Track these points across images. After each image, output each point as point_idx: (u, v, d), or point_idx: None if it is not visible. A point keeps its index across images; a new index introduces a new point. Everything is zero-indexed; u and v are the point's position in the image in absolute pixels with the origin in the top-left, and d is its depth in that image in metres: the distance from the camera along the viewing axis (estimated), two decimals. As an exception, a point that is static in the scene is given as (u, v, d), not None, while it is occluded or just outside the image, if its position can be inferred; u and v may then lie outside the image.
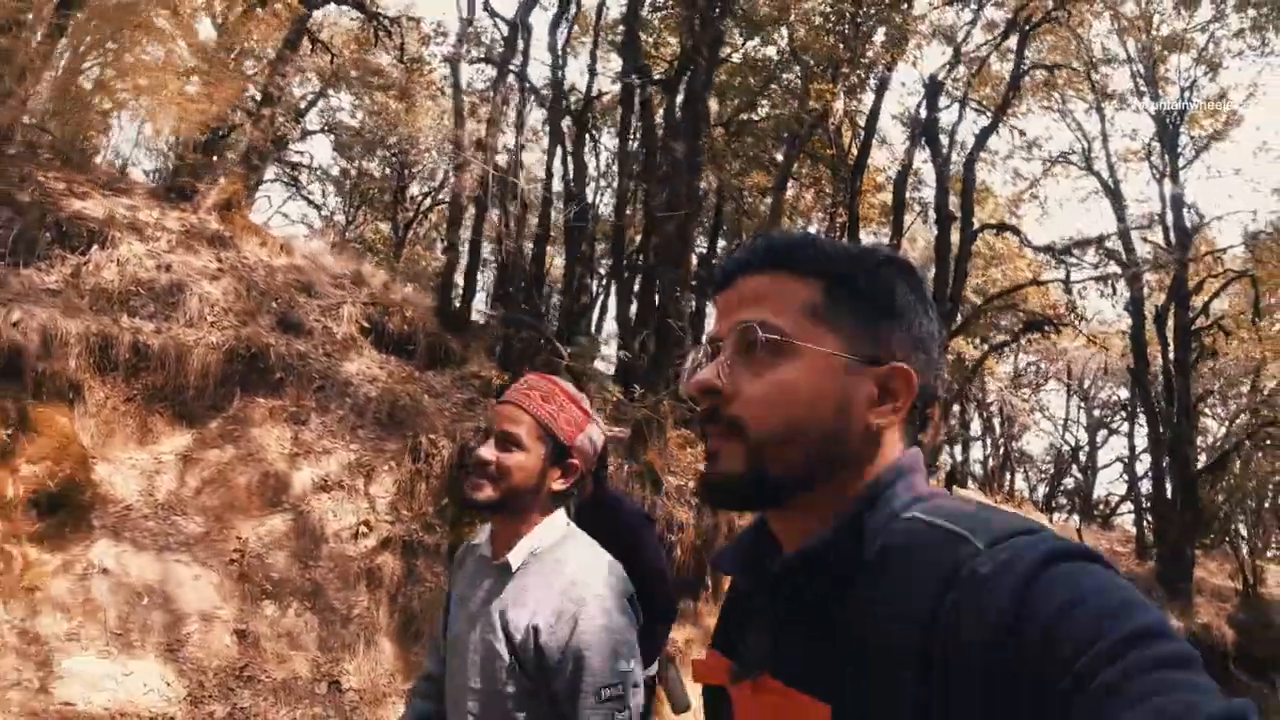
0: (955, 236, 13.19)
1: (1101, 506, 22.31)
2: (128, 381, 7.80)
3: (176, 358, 7.99)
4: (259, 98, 13.40)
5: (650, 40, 14.15)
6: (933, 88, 12.55)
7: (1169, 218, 16.05)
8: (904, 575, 0.82)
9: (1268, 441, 17.50)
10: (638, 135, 12.10)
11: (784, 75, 14.56)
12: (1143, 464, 21.89)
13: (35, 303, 7.69)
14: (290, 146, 18.12)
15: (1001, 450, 22.53)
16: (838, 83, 11.91)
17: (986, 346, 17.89)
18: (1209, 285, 16.33)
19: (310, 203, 20.99)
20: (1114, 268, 15.96)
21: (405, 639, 7.21)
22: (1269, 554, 20.46)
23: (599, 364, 13.06)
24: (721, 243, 15.79)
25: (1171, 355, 15.88)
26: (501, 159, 11.67)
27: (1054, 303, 16.76)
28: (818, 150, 14.27)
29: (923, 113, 12.93)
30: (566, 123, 13.23)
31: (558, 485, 2.03)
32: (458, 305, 10.94)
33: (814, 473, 0.92)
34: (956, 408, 19.44)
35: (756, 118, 15.31)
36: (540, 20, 12.90)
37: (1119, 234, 16.18)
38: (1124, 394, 23.00)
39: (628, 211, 12.35)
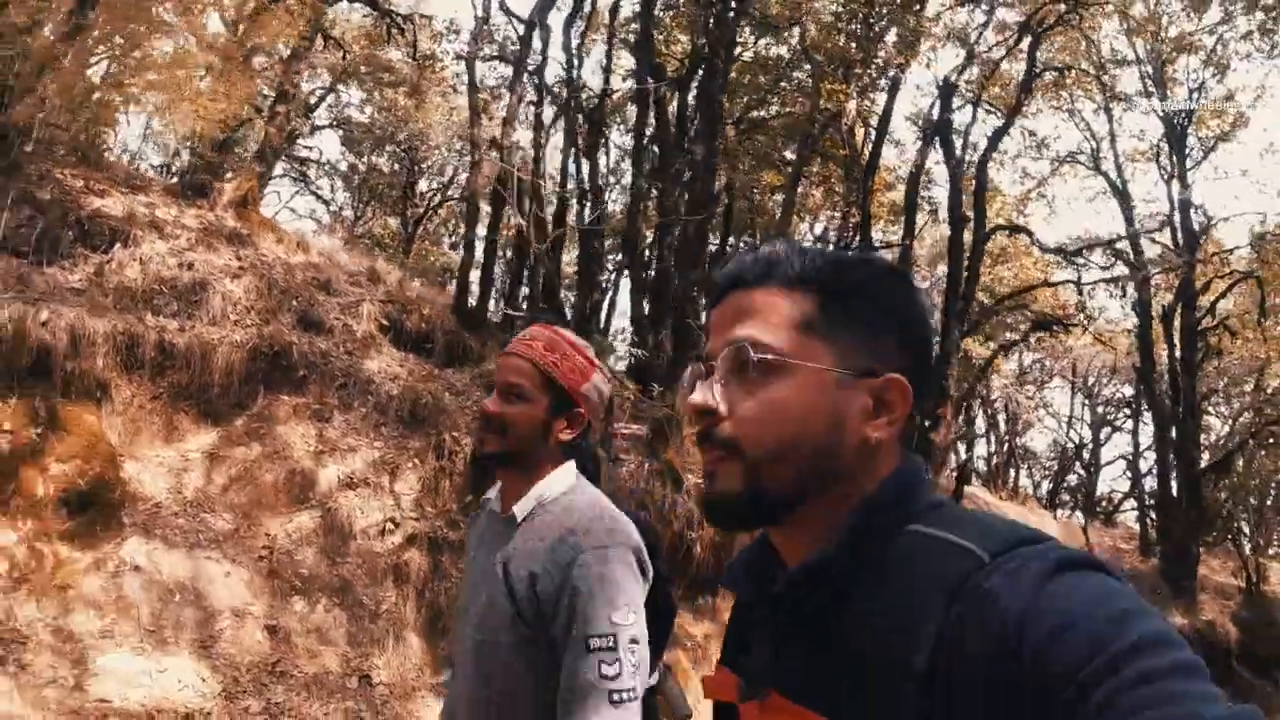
0: (967, 237, 13.25)
1: (1104, 503, 22.41)
2: (153, 380, 7.85)
3: (201, 356, 8.04)
4: (272, 94, 13.41)
5: (661, 38, 14.18)
6: (946, 89, 12.60)
7: (1177, 218, 16.16)
8: (907, 589, 0.82)
9: (1271, 440, 17.63)
10: (652, 133, 12.15)
11: (794, 74, 14.62)
12: (1146, 461, 22.02)
13: (60, 301, 7.74)
14: (299, 141, 18.15)
15: (1006, 447, 22.61)
16: (850, 83, 11.96)
17: (995, 345, 17.98)
18: (1216, 286, 16.43)
19: (319, 198, 21.04)
20: (1122, 268, 16.07)
21: (433, 634, 7.28)
22: (1271, 552, 20.59)
23: (610, 361, 13.12)
24: (732, 240, 15.85)
25: (1178, 354, 15.98)
26: (515, 157, 11.71)
27: (1063, 303, 16.86)
28: (828, 149, 14.34)
29: (935, 114, 12.99)
30: (578, 121, 13.26)
31: (565, 435, 2.00)
32: (474, 303, 10.97)
33: (811, 488, 0.92)
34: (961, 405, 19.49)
35: (766, 116, 15.36)
36: (553, 19, 12.93)
37: (1127, 234, 16.27)
38: (1128, 391, 23.10)
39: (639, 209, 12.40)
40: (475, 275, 11.26)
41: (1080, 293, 16.01)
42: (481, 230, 13.07)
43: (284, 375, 8.52)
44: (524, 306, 11.32)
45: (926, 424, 11.42)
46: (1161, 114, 16.03)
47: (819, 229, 19.64)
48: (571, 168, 13.41)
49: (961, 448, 21.02)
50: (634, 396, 9.70)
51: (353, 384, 8.75)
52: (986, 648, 0.74)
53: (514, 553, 1.91)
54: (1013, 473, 23.15)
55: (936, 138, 12.79)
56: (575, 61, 12.14)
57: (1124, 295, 16.02)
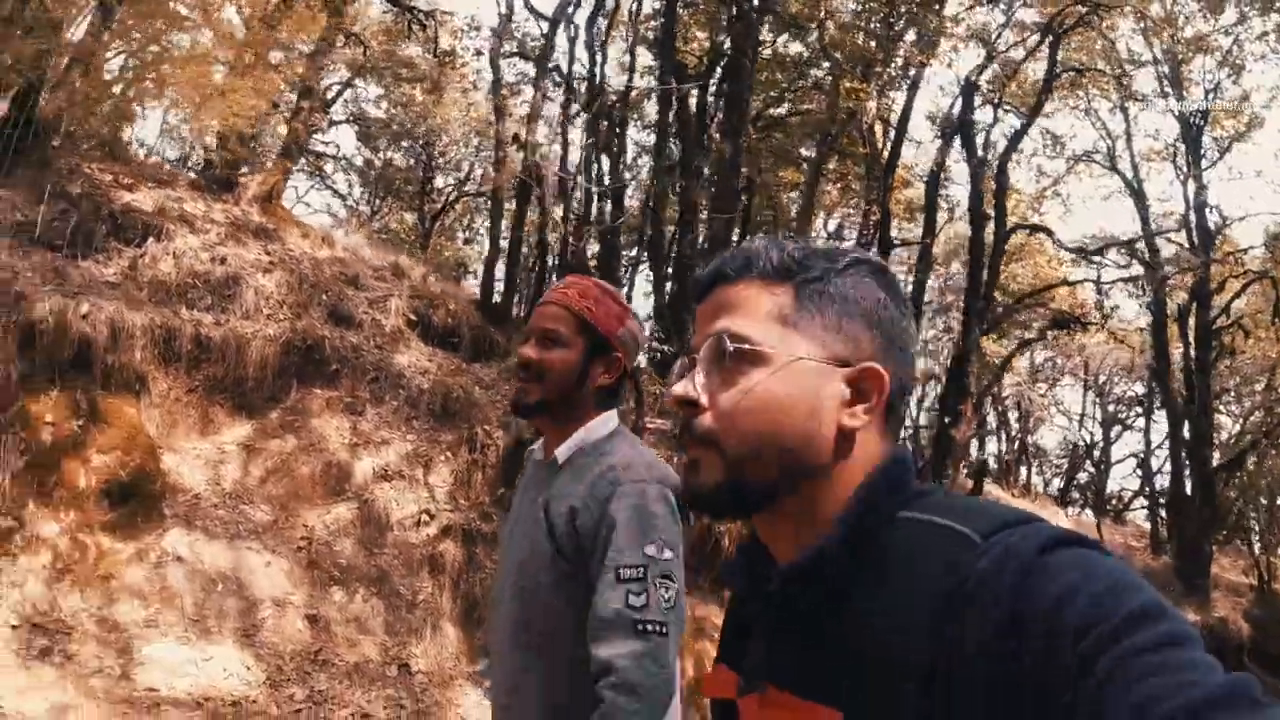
0: (987, 236, 13.31)
1: (1114, 501, 22.47)
2: (189, 373, 7.93)
3: (236, 349, 8.12)
4: (293, 90, 13.46)
5: (680, 34, 14.24)
6: (968, 90, 12.65)
7: (1192, 218, 16.21)
8: (903, 576, 0.83)
9: (1283, 439, 17.69)
10: (673, 130, 12.22)
11: (813, 72, 14.68)
12: (1158, 459, 22.09)
13: (97, 295, 7.81)
14: (315, 136, 18.20)
15: (1017, 444, 22.67)
16: (870, 82, 12.03)
17: (1012, 343, 18.04)
18: (1230, 285, 16.49)
19: (335, 193, 21.10)
20: (1138, 267, 16.13)
21: (468, 624, 7.36)
22: (1281, 550, 20.66)
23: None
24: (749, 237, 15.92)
25: (1192, 353, 16.04)
26: (538, 154, 11.77)
27: (1081, 301, 16.92)
28: (846, 147, 14.40)
29: (955, 113, 13.06)
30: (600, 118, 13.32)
31: (603, 380, 2.00)
32: (499, 298, 11.05)
33: (789, 475, 0.93)
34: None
35: (784, 114, 15.43)
36: (575, 17, 13.00)
37: (1143, 233, 16.33)
38: (1139, 389, 23.17)
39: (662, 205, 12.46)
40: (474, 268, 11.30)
41: (1099, 292, 16.08)
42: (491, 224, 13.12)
43: (316, 369, 8.59)
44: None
45: (947, 420, 11.52)
46: (1177, 114, 16.10)
47: (833, 225, 19.80)
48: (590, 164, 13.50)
49: (974, 444, 21.09)
50: (658, 390, 9.78)
51: (384, 378, 8.82)
52: (984, 628, 0.75)
53: (555, 493, 1.93)
54: (1024, 470, 23.22)
55: (957, 137, 12.85)
56: (600, 59, 12.23)
57: (1143, 293, 16.05)
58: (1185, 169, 16.35)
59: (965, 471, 14.23)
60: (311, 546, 7.20)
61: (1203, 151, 16.29)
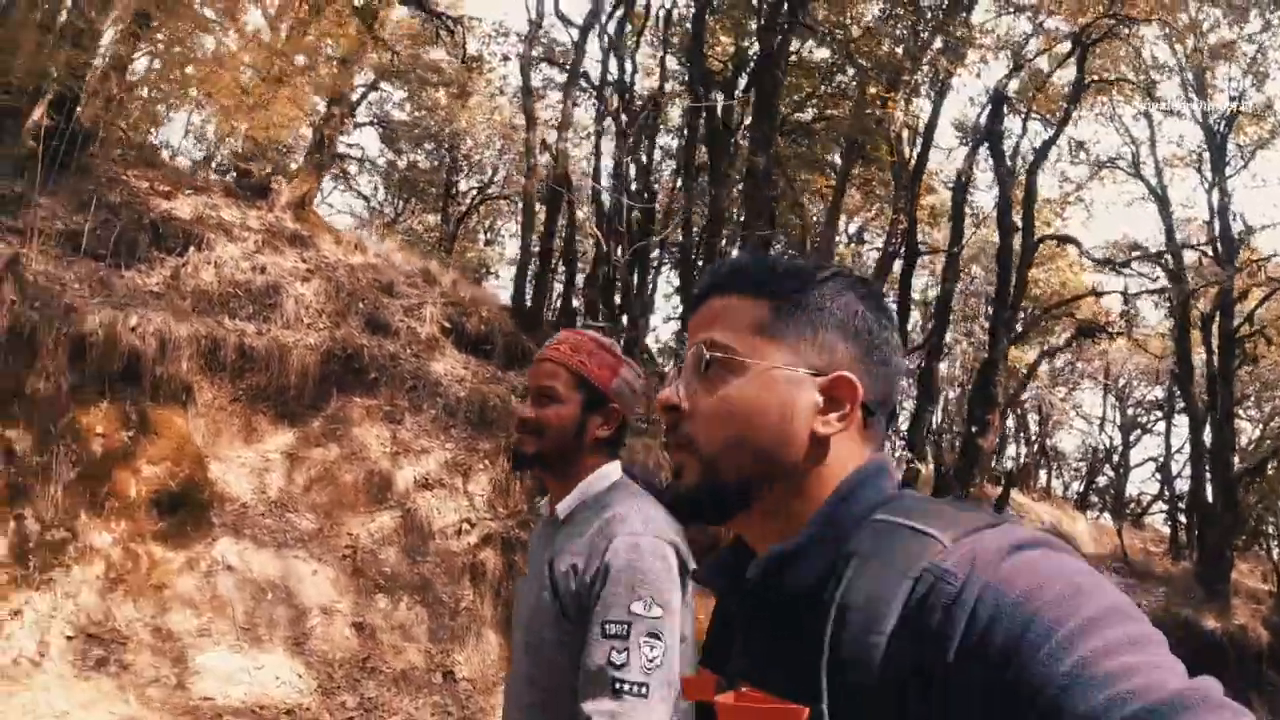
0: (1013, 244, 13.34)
1: (1133, 505, 22.46)
2: (233, 382, 8.04)
3: (278, 359, 8.23)
4: (322, 96, 13.54)
5: (705, 40, 14.30)
6: (996, 100, 12.69)
7: (1216, 225, 16.21)
8: (872, 576, 0.84)
9: (1303, 446, 17.68)
10: (701, 137, 12.30)
11: (838, 77, 14.74)
12: (1177, 464, 22.07)
13: (142, 305, 7.92)
14: (341, 138, 18.30)
15: (1036, 448, 22.68)
16: (898, 90, 12.09)
17: (1037, 351, 18.10)
18: (1254, 293, 16.48)
19: (360, 194, 21.22)
20: (1161, 273, 16.15)
21: (509, 631, 7.45)
22: (1299, 556, 20.64)
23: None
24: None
25: (1215, 360, 16.05)
26: (569, 161, 11.85)
27: (1105, 309, 16.94)
28: (872, 153, 14.45)
29: (983, 121, 13.09)
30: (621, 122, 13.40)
31: (601, 433, 2.02)
32: (530, 305, 11.15)
33: (762, 480, 0.96)
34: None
35: (809, 119, 15.49)
36: (598, 20, 13.04)
37: (1166, 241, 16.34)
38: (1158, 393, 23.16)
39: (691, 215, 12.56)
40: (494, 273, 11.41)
41: (1126, 302, 16.11)
42: (515, 226, 13.19)
43: (356, 378, 8.70)
44: (582, 311, 11.47)
45: (974, 430, 11.58)
46: (1201, 121, 16.08)
47: (854, 229, 19.88)
48: (608, 168, 13.58)
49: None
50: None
51: (422, 386, 8.93)
52: (946, 629, 0.76)
53: (558, 550, 1.93)
54: (1043, 474, 23.22)
55: (987, 148, 12.89)
56: (630, 67, 12.30)
57: (1171, 303, 16.05)
58: (1209, 176, 16.35)
59: (1000, 481, 14.26)
60: (356, 555, 7.32)
61: (1227, 159, 16.28)
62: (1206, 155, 16.53)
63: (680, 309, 13.23)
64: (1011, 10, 13.64)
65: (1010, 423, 21.99)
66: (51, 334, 6.95)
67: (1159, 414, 23.12)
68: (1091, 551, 16.10)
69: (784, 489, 0.96)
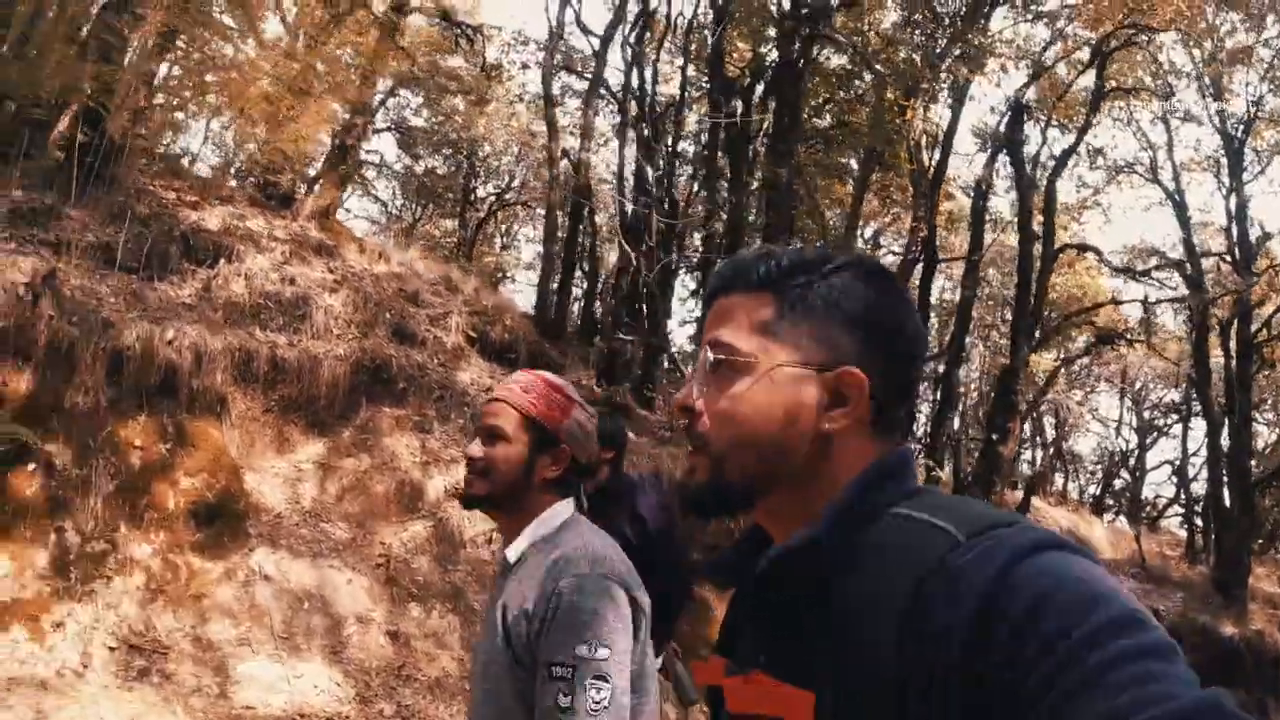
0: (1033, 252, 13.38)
1: (1149, 509, 22.41)
2: (265, 393, 8.15)
3: (309, 370, 8.33)
4: (345, 105, 13.64)
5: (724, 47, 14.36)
6: (1017, 109, 12.74)
7: (1234, 230, 16.22)
8: (883, 568, 0.84)
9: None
10: (721, 145, 12.37)
11: (854, 82, 14.79)
12: (1193, 467, 22.04)
13: (175, 317, 8.03)
14: (360, 145, 18.41)
15: (1052, 451, 22.66)
16: (916, 97, 12.16)
17: (1057, 358, 18.11)
18: (1272, 299, 16.49)
19: (378, 200, 21.34)
20: (1179, 278, 16.17)
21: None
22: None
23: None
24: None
25: (1233, 366, 16.07)
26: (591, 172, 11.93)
27: (1124, 316, 16.98)
28: (888, 160, 14.50)
29: (1002, 129, 13.14)
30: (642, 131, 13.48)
31: (550, 473, 2.01)
32: (553, 314, 11.25)
33: (768, 478, 0.97)
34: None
35: (827, 125, 15.55)
36: (621, 32, 13.14)
37: (1184, 248, 16.36)
38: (1174, 396, 23.13)
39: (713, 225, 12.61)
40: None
41: (1145, 310, 16.14)
42: (530, 231, 13.22)
43: (384, 388, 8.81)
44: (608, 320, 11.55)
45: (994, 437, 11.63)
46: (1218, 126, 16.09)
47: (870, 233, 19.88)
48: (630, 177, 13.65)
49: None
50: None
51: (449, 396, 9.03)
52: (956, 625, 0.76)
53: (509, 597, 1.92)
54: (1058, 478, 23.20)
55: (1007, 157, 12.93)
56: (651, 77, 12.37)
57: (1191, 311, 16.06)
58: (1227, 182, 16.35)
59: (1019, 486, 14.28)
60: (389, 564, 7.42)
61: (1244, 164, 16.28)
62: (1224, 160, 16.54)
63: (694, 313, 13.27)
64: (1029, 19, 13.69)
65: (1026, 427, 22.00)
66: (90, 348, 7.06)
67: (1175, 417, 23.10)
68: (1109, 556, 16.12)
69: (792, 485, 0.97)
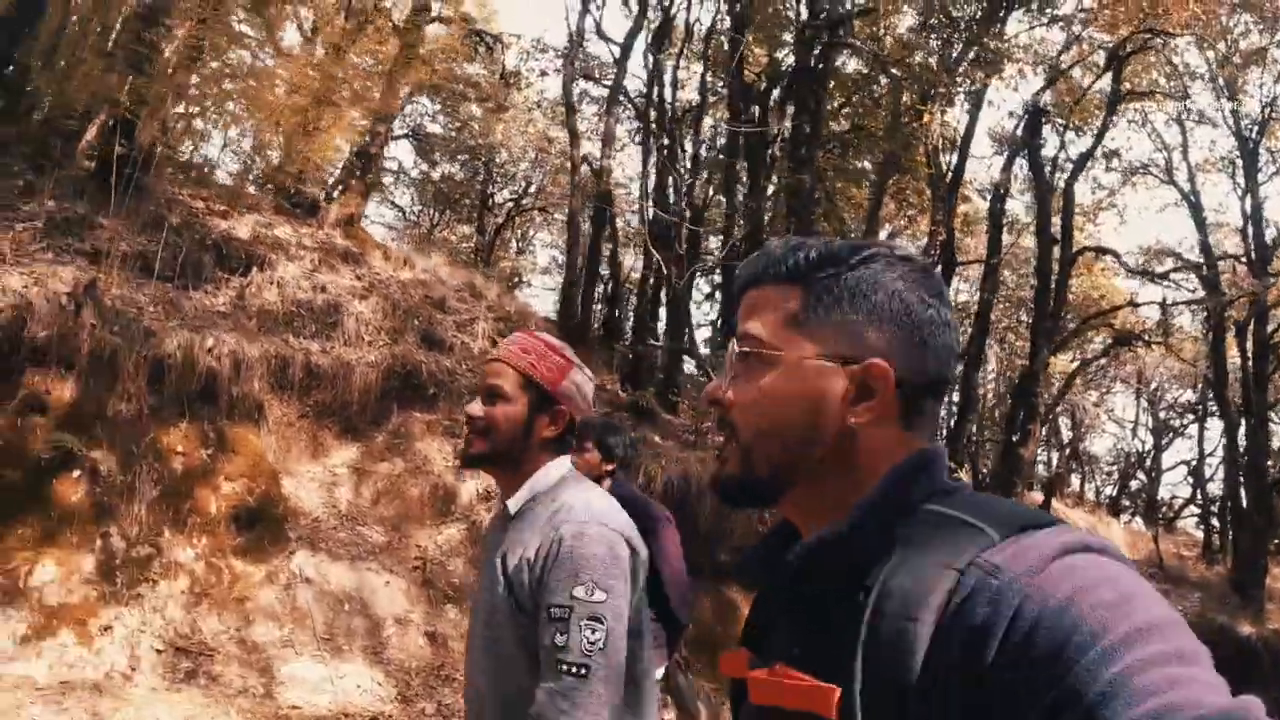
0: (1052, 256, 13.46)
1: (1165, 509, 22.39)
2: (299, 399, 8.29)
3: (341, 376, 8.47)
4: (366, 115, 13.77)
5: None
6: (1035, 115, 12.84)
7: (1249, 231, 16.27)
8: (917, 564, 0.83)
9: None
10: (741, 150, 12.49)
11: (871, 87, 14.90)
12: (1209, 467, 22.05)
13: (212, 326, 8.18)
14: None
15: (1068, 452, 22.64)
16: (935, 102, 12.25)
17: (1074, 359, 18.15)
18: (1288, 299, 16.54)
19: (394, 205, 21.50)
20: (1195, 279, 16.23)
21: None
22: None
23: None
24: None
25: (1250, 367, 16.10)
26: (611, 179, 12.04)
27: (1142, 318, 17.04)
28: (905, 163, 14.59)
29: (1019, 133, 13.24)
30: (663, 139, 13.61)
31: (548, 433, 2.06)
32: (577, 319, 11.38)
33: (793, 470, 0.97)
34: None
35: (844, 129, 15.66)
36: (641, 39, 13.27)
37: (1200, 250, 16.43)
38: (1190, 396, 23.14)
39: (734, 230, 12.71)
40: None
41: (1163, 312, 16.21)
42: (545, 236, 13.31)
43: (415, 393, 8.94)
44: (632, 325, 11.68)
45: (1014, 439, 11.73)
46: (1233, 127, 16.15)
47: (884, 234, 19.93)
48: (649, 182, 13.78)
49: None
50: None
51: (478, 401, 9.14)
52: (988, 626, 0.75)
53: (510, 545, 1.98)
54: (1075, 479, 23.19)
55: (1027, 163, 13.03)
56: (672, 84, 12.50)
57: (1208, 315, 16.11)
58: (1242, 183, 16.41)
59: (1039, 488, 14.33)
60: (425, 566, 7.55)
61: (1259, 165, 16.33)
62: (1239, 161, 16.59)
63: (708, 316, 13.39)
64: (1044, 23, 13.78)
65: (1043, 429, 22.00)
66: (131, 357, 7.20)
67: (1191, 417, 23.09)
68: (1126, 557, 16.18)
69: (818, 478, 0.97)
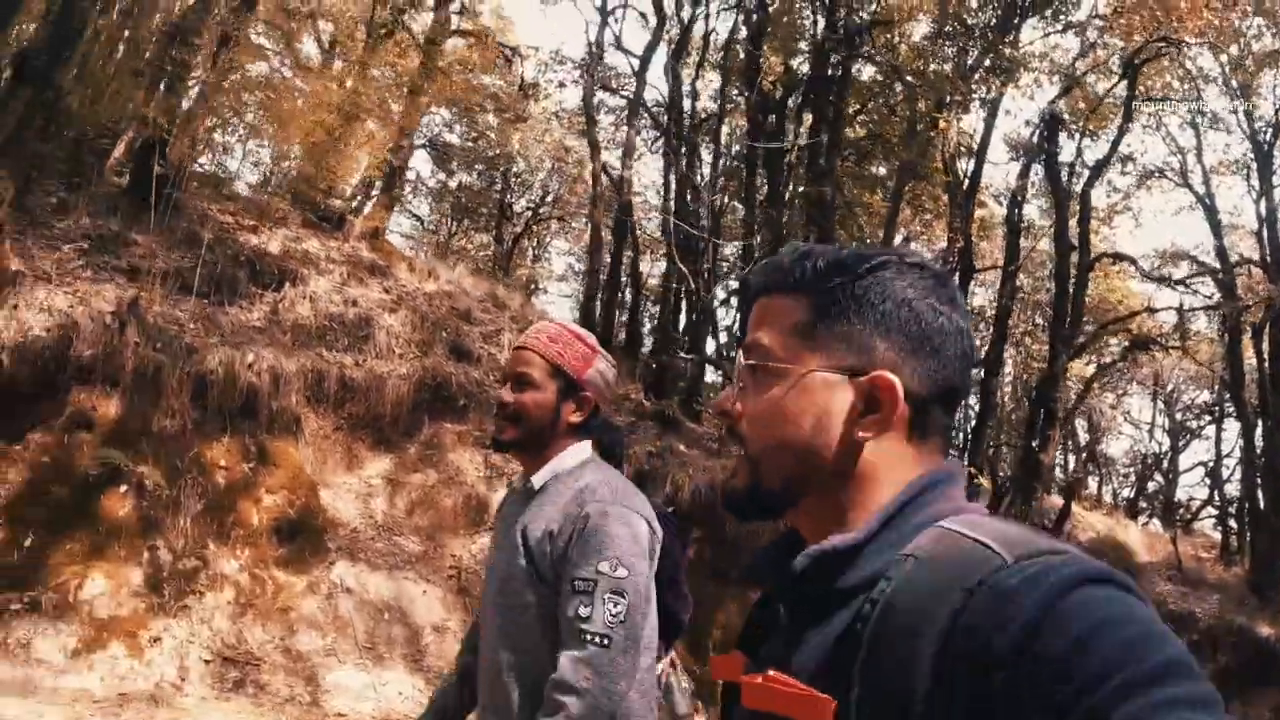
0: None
1: (1182, 511, 22.37)
2: (334, 412, 8.47)
3: (375, 389, 8.65)
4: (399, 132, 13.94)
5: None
6: (1052, 123, 12.93)
7: (1265, 234, 16.29)
8: (927, 580, 0.81)
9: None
10: (760, 160, 12.64)
11: (887, 94, 15.01)
12: (1227, 468, 22.04)
13: (249, 341, 8.36)
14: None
15: (1086, 455, 22.64)
16: (950, 109, 12.38)
17: (1093, 364, 18.18)
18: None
19: (413, 214, 21.69)
20: (1211, 282, 16.28)
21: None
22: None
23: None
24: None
25: (1266, 368, 16.12)
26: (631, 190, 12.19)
27: (1158, 322, 17.10)
28: (921, 170, 14.70)
29: (1034, 140, 13.33)
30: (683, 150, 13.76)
31: (574, 418, 2.14)
32: (599, 328, 11.53)
33: (801, 484, 0.95)
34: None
35: (861, 136, 15.78)
36: (661, 51, 13.44)
37: (1216, 254, 16.49)
38: (1207, 398, 23.14)
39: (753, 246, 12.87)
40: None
41: (1180, 317, 16.27)
42: (561, 244, 13.40)
43: (445, 404, 9.12)
44: (655, 337, 11.83)
45: (1035, 444, 11.84)
46: (1246, 130, 16.21)
47: (899, 239, 20.02)
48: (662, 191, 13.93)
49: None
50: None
51: (508, 412, 9.30)
52: (997, 650, 0.72)
53: (532, 518, 2.04)
54: (1092, 482, 23.19)
55: (1039, 166, 13.13)
56: (694, 96, 12.64)
57: (1225, 320, 16.16)
58: (1256, 185, 16.45)
59: (1056, 494, 14.37)
60: (460, 575, 7.72)
61: (1274, 167, 16.36)
62: (1253, 164, 16.63)
63: (723, 321, 13.55)
64: (1059, 30, 13.89)
65: (1058, 432, 22.03)
66: (175, 374, 7.39)
67: (1208, 419, 23.09)
68: (1144, 559, 16.18)
69: (826, 490, 0.95)
